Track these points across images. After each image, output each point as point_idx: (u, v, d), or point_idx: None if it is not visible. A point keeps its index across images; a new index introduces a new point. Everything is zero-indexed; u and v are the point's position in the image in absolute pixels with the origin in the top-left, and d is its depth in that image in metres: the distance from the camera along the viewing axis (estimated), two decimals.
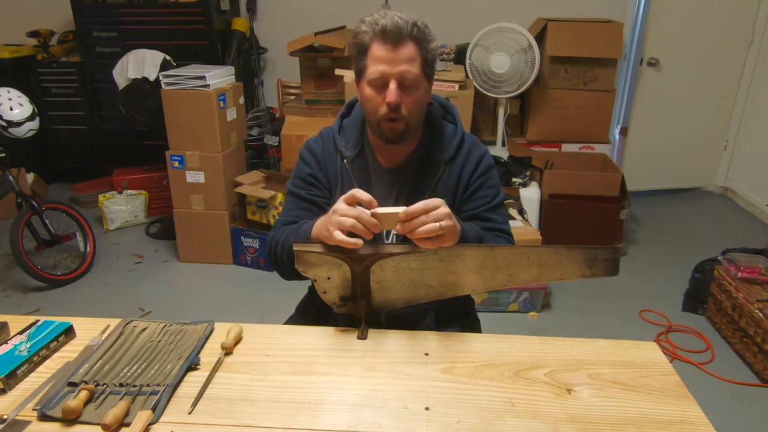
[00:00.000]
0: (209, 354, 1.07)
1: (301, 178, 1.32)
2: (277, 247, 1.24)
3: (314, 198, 1.30)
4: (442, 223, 1.03)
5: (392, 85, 1.14)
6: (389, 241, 1.29)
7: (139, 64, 3.14)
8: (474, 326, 1.43)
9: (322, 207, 1.29)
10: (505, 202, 2.91)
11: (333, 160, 1.31)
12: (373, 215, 1.04)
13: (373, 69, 1.15)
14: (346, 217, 1.04)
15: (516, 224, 2.75)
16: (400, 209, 1.04)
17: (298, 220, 1.26)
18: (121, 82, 3.19)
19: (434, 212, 1.03)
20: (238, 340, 1.11)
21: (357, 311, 1.15)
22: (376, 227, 1.05)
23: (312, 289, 1.46)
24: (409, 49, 1.14)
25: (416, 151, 1.29)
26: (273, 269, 1.30)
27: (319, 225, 1.13)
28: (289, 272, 1.20)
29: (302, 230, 1.18)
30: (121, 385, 0.96)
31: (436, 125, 1.31)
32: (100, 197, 3.55)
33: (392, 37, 1.13)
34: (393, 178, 1.29)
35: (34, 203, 2.86)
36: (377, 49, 1.15)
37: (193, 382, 0.99)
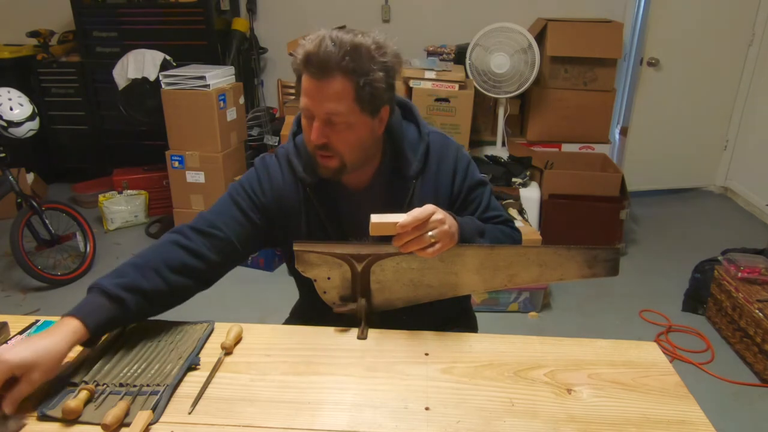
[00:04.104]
0: (209, 354, 1.07)
1: (247, 191, 1.18)
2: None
3: (251, 216, 1.17)
4: (434, 232, 1.02)
5: (315, 123, 1.04)
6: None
7: (139, 64, 3.14)
8: (471, 324, 1.43)
9: (258, 230, 1.18)
10: (505, 202, 2.93)
11: (292, 189, 1.18)
12: (373, 224, 1.02)
13: (301, 99, 1.04)
14: None
15: (516, 224, 2.75)
16: (398, 217, 1.02)
17: (218, 229, 1.13)
18: (121, 82, 3.19)
19: (425, 224, 1.01)
20: (238, 340, 1.11)
21: (357, 311, 1.15)
22: None
23: (304, 296, 1.40)
24: (336, 84, 1.00)
25: (381, 168, 1.19)
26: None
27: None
28: None
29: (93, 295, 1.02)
30: (121, 385, 0.96)
31: (396, 136, 1.18)
32: (100, 197, 3.55)
33: (316, 68, 1.00)
34: (361, 199, 1.19)
35: (34, 203, 2.86)
36: (304, 80, 1.03)
37: (193, 382, 0.99)
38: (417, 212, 1.01)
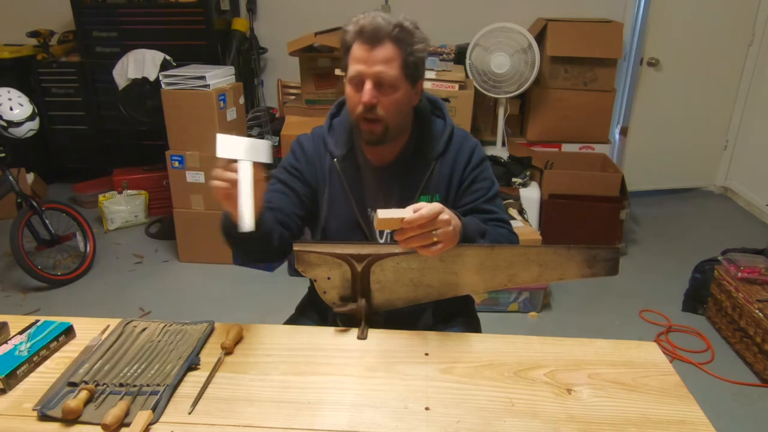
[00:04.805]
0: (209, 354, 1.07)
1: (285, 167, 1.33)
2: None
3: (293, 185, 1.30)
4: (439, 231, 1.03)
5: (367, 85, 1.15)
6: (383, 241, 1.29)
7: (139, 64, 3.14)
8: (474, 325, 1.43)
9: (300, 197, 1.30)
10: (505, 202, 2.93)
11: (323, 159, 1.31)
12: (379, 219, 1.02)
13: (352, 68, 1.17)
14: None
15: (516, 224, 2.75)
16: (404, 212, 1.02)
17: (268, 202, 1.25)
18: (121, 82, 3.19)
19: (432, 222, 1.03)
20: (238, 340, 1.11)
21: (357, 311, 1.15)
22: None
23: (312, 289, 1.45)
24: (386, 50, 1.15)
25: (406, 149, 1.29)
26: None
27: None
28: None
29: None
30: (121, 385, 0.96)
31: (425, 121, 1.31)
32: (100, 197, 3.55)
33: (370, 37, 1.14)
34: (383, 176, 1.29)
35: (34, 203, 2.86)
36: (356, 49, 1.16)
37: (193, 382, 0.99)
38: (424, 211, 1.02)
